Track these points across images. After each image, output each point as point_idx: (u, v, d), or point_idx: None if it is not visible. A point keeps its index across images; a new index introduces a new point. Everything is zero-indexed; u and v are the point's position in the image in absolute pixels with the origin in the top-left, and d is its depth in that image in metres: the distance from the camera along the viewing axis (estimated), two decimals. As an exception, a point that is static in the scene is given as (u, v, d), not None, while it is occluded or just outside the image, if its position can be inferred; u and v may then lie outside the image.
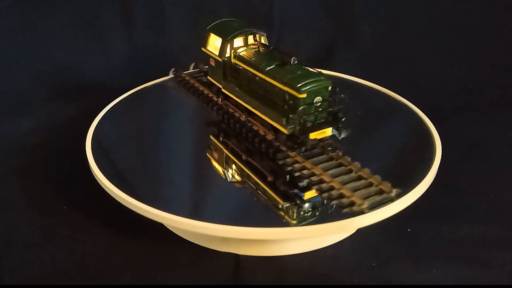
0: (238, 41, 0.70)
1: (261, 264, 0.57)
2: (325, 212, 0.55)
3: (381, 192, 0.56)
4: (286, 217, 0.55)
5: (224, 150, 0.69)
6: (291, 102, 0.59)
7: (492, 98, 0.98)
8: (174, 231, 0.62)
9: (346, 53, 1.13)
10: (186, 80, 0.87)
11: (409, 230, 0.62)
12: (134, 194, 0.57)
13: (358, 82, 0.89)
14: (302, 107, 0.58)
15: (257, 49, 0.69)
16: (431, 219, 0.64)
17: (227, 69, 0.71)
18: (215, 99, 0.77)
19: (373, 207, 0.53)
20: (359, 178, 0.58)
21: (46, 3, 1.11)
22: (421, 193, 0.58)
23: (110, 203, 0.58)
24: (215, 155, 0.69)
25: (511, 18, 1.13)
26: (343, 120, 0.60)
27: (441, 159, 0.64)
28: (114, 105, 0.79)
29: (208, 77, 0.77)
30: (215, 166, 0.67)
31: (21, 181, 0.73)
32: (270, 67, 0.63)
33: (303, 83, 0.58)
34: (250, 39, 0.70)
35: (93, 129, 0.71)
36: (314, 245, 0.59)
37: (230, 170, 0.65)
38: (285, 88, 0.59)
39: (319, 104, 0.59)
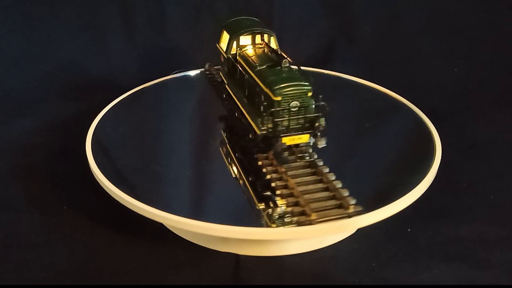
0: (246, 40, 0.70)
1: (261, 264, 0.57)
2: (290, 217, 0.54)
3: (339, 206, 0.54)
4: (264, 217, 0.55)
5: (221, 149, 0.69)
6: (266, 103, 0.58)
7: (492, 98, 0.97)
8: (174, 231, 0.62)
9: (346, 53, 1.13)
10: (212, 75, 0.86)
11: (409, 230, 0.62)
12: (134, 194, 0.57)
13: (358, 82, 0.89)
14: (276, 110, 0.57)
15: (261, 49, 0.69)
16: (431, 219, 0.64)
17: (231, 66, 0.71)
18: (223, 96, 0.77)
19: (323, 221, 0.52)
20: (326, 189, 0.57)
21: (46, 3, 1.11)
22: (421, 193, 0.58)
23: (110, 203, 0.58)
24: (215, 154, 0.68)
25: (511, 18, 1.13)
26: (320, 128, 0.58)
27: (441, 159, 0.64)
28: (114, 105, 0.79)
29: (220, 73, 0.78)
30: (215, 166, 0.67)
31: (21, 181, 0.73)
32: (261, 67, 0.62)
33: (280, 85, 0.57)
34: (258, 39, 0.70)
35: (93, 129, 0.71)
36: (314, 245, 0.59)
37: (228, 170, 0.65)
38: (265, 89, 0.59)
39: (296, 109, 0.58)
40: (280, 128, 0.58)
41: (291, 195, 0.57)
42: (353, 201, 0.54)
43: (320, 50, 1.14)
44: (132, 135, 0.75)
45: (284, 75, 0.59)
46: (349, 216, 0.53)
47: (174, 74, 0.90)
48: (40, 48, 1.09)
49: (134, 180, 0.62)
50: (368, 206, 0.54)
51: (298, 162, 0.61)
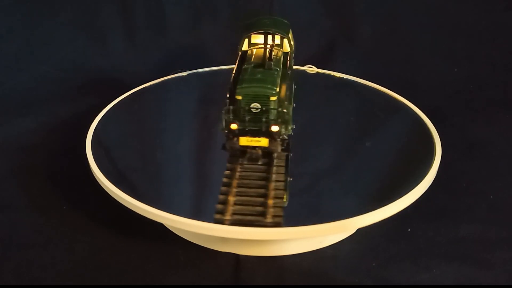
0: (258, 39, 0.69)
1: (261, 264, 0.57)
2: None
3: (260, 214, 0.54)
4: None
5: (221, 149, 0.68)
6: (231, 101, 0.58)
7: (492, 98, 0.97)
8: (174, 231, 0.62)
9: (346, 53, 1.13)
10: None
11: (409, 230, 0.62)
12: (134, 194, 0.57)
13: (358, 82, 0.89)
14: (238, 109, 0.57)
15: (268, 49, 0.69)
16: (431, 219, 0.64)
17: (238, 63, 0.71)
18: None
19: (235, 223, 0.52)
20: (263, 195, 0.56)
21: (46, 3, 1.11)
22: (421, 193, 0.58)
23: (110, 203, 0.58)
24: (215, 154, 0.68)
25: (511, 18, 1.13)
26: (279, 134, 0.58)
27: (441, 159, 0.64)
28: (114, 105, 0.79)
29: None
30: (215, 166, 0.67)
31: (21, 181, 0.73)
32: (248, 66, 0.62)
33: (243, 85, 0.57)
34: (272, 39, 0.69)
35: (93, 129, 0.71)
36: (314, 245, 0.59)
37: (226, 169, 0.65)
38: (233, 87, 0.59)
39: (257, 111, 0.57)
40: (240, 128, 0.58)
41: (225, 193, 0.57)
42: (278, 213, 0.53)
43: (320, 50, 1.14)
44: (132, 135, 0.75)
45: (258, 75, 0.59)
46: (265, 225, 0.52)
47: (174, 74, 0.90)
48: (40, 48, 1.09)
49: (134, 180, 0.62)
50: (368, 206, 0.54)
51: (258, 164, 0.61)
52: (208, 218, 0.54)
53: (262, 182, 0.58)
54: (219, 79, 0.86)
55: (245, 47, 0.70)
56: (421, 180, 0.59)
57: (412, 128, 0.75)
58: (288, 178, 0.60)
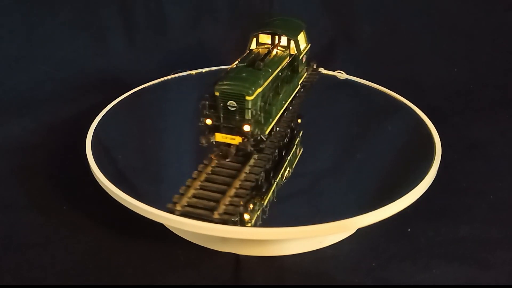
0: (267, 39, 0.70)
1: (261, 264, 0.57)
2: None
3: (210, 209, 0.54)
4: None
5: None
6: (210, 96, 0.59)
7: (492, 98, 0.98)
8: (174, 231, 0.62)
9: (346, 53, 1.13)
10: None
11: (409, 230, 0.62)
12: (134, 194, 0.57)
13: (358, 82, 0.89)
14: (216, 105, 0.58)
15: (271, 50, 0.69)
16: (431, 219, 0.64)
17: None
18: None
19: (183, 215, 0.53)
20: (222, 191, 0.56)
21: (46, 3, 1.11)
22: (421, 193, 0.58)
23: (110, 203, 0.58)
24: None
25: (511, 18, 1.13)
26: (252, 135, 0.58)
27: (441, 159, 0.64)
28: (114, 105, 0.79)
29: None
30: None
31: (21, 181, 0.73)
32: (240, 64, 0.63)
33: (223, 82, 0.58)
34: (283, 40, 0.70)
35: (93, 129, 0.71)
36: (314, 245, 0.59)
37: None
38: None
39: (233, 109, 0.58)
40: (216, 123, 0.58)
41: (189, 184, 0.57)
42: (230, 211, 0.53)
43: (320, 50, 1.14)
44: (132, 135, 0.75)
45: (242, 74, 0.60)
46: (211, 221, 0.52)
47: (174, 74, 0.90)
48: (40, 48, 1.09)
49: (134, 180, 0.62)
50: (368, 206, 0.54)
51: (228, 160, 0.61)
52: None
53: (229, 179, 0.58)
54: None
55: (253, 46, 0.70)
56: (421, 180, 0.59)
57: (412, 128, 0.75)
58: (258, 178, 0.60)
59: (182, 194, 0.55)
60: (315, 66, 0.85)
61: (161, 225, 0.59)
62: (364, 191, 0.61)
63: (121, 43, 1.13)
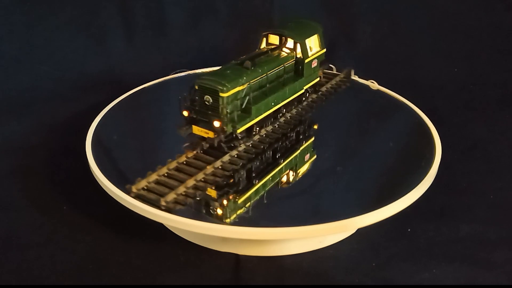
0: (276, 40, 0.71)
1: (261, 264, 0.57)
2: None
3: (159, 194, 0.55)
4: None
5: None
6: (190, 89, 0.61)
7: (492, 98, 0.98)
8: (174, 231, 0.62)
9: (346, 53, 1.13)
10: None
11: (409, 230, 0.62)
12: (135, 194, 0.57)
13: (358, 82, 0.89)
14: (194, 98, 0.60)
15: (274, 50, 0.69)
16: (431, 219, 0.64)
17: None
18: None
19: (136, 197, 0.55)
20: (182, 181, 0.57)
21: (46, 3, 1.11)
22: (421, 193, 0.58)
23: (110, 203, 0.58)
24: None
25: (511, 18, 1.13)
26: (219, 131, 0.60)
27: (441, 159, 0.64)
28: (114, 105, 0.79)
29: None
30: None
31: (21, 181, 0.73)
32: (235, 62, 0.64)
33: (204, 77, 0.60)
34: (289, 42, 0.70)
35: (93, 129, 0.71)
36: (314, 245, 0.59)
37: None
38: None
39: (209, 104, 0.60)
40: (193, 116, 0.61)
41: (157, 174, 0.59)
42: (180, 201, 0.54)
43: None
44: (132, 135, 0.75)
45: (227, 71, 0.61)
46: (158, 208, 0.53)
47: (174, 74, 0.90)
48: (40, 48, 1.09)
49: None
50: (368, 206, 0.54)
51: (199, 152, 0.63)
52: (207, 218, 0.54)
53: (196, 171, 0.59)
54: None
55: (263, 45, 0.71)
56: (421, 180, 0.59)
57: (412, 128, 0.75)
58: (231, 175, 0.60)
59: (144, 178, 0.57)
60: (352, 74, 0.87)
61: (161, 225, 0.59)
62: (364, 191, 0.61)
63: (121, 43, 1.13)
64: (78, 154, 0.66)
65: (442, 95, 0.98)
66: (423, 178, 0.59)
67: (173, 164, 0.60)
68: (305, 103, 0.76)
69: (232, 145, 0.62)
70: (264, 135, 0.67)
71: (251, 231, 0.52)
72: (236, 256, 0.58)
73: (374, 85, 0.84)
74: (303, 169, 0.65)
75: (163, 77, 0.90)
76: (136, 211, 0.55)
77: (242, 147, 0.64)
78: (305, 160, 0.67)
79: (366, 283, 0.55)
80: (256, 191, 0.59)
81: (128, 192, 0.56)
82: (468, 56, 1.10)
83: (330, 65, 0.90)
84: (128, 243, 0.60)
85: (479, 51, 1.10)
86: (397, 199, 0.55)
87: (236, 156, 0.63)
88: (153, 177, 0.58)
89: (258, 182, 0.60)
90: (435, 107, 0.84)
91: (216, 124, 0.59)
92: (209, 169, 0.60)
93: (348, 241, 0.61)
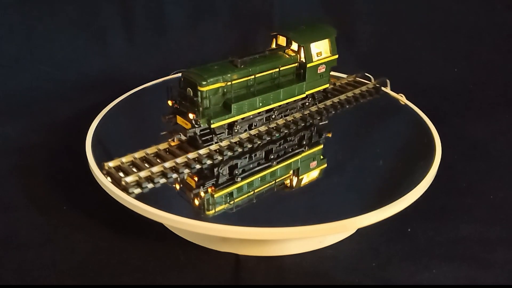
0: (284, 41, 0.71)
1: (261, 264, 0.57)
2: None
3: (125, 175, 0.58)
4: None
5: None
6: (179, 81, 0.64)
7: (492, 98, 0.98)
8: (174, 231, 0.62)
9: (346, 53, 1.13)
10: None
11: (409, 230, 0.62)
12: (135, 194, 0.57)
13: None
14: (181, 90, 0.63)
15: (277, 51, 0.70)
16: (431, 219, 0.64)
17: None
18: None
19: (107, 174, 0.59)
20: (152, 164, 0.61)
21: (46, 3, 1.11)
22: (421, 193, 0.58)
23: (110, 203, 0.58)
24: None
25: (511, 18, 1.13)
26: (193, 123, 0.62)
27: (441, 159, 0.64)
28: (114, 105, 0.79)
29: None
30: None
31: (21, 181, 0.73)
32: (228, 60, 0.66)
33: (189, 70, 0.62)
34: (294, 45, 0.70)
35: (93, 129, 0.71)
36: (314, 245, 0.59)
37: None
38: None
39: (189, 96, 0.62)
40: (177, 106, 0.64)
41: (134, 156, 0.62)
42: (141, 186, 0.57)
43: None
44: (132, 135, 0.75)
45: (214, 67, 0.64)
46: (118, 187, 0.57)
47: (174, 74, 0.90)
48: (40, 48, 1.09)
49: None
50: (368, 206, 0.54)
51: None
52: (207, 218, 0.54)
53: (171, 158, 0.62)
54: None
55: (273, 46, 0.72)
56: (421, 180, 0.59)
57: (412, 128, 0.75)
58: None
59: (118, 159, 0.61)
60: (386, 86, 0.84)
61: (161, 225, 0.59)
62: (364, 191, 0.61)
63: (121, 43, 1.14)
64: (78, 154, 0.66)
65: (442, 95, 0.98)
66: (423, 178, 0.59)
67: (153, 150, 0.63)
68: (314, 108, 0.75)
69: (210, 139, 0.64)
70: (255, 135, 0.68)
71: (251, 231, 0.52)
72: (236, 256, 0.58)
73: (402, 99, 0.81)
74: (302, 169, 0.65)
75: (163, 77, 0.90)
76: (136, 211, 0.55)
77: (225, 143, 0.65)
78: (305, 159, 0.67)
79: (366, 283, 0.55)
80: (239, 189, 0.60)
81: (100, 168, 0.60)
82: (468, 56, 1.10)
83: (366, 74, 0.87)
84: (128, 243, 0.60)
85: (479, 51, 1.10)
86: (397, 199, 0.55)
87: (216, 150, 0.64)
88: (129, 158, 0.61)
89: (238, 180, 0.61)
90: (435, 107, 0.84)
91: (190, 116, 0.62)
92: (182, 159, 0.61)
93: (348, 241, 0.61)
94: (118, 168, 0.61)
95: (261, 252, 0.58)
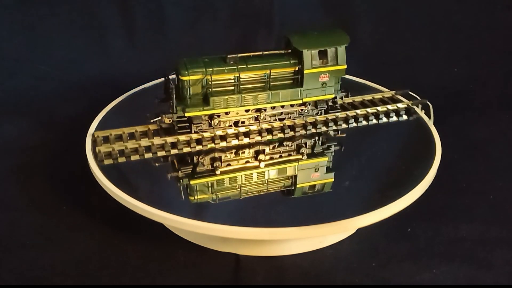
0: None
1: (261, 264, 0.57)
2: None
3: (107, 158, 0.63)
4: None
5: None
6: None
7: (492, 98, 0.98)
8: (174, 231, 0.62)
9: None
10: None
11: (409, 230, 0.62)
12: (134, 194, 0.57)
13: (358, 82, 0.89)
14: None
15: (277, 51, 0.69)
16: (431, 219, 0.64)
17: None
18: None
19: (93, 142, 0.66)
20: (135, 151, 0.65)
21: (46, 3, 1.11)
22: (421, 193, 0.58)
23: (110, 203, 0.58)
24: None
25: (511, 18, 1.13)
26: (170, 110, 0.66)
27: (441, 159, 0.64)
28: (114, 105, 0.79)
29: None
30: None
31: (21, 181, 0.73)
32: (224, 56, 0.66)
33: (183, 60, 0.66)
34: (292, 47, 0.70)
35: (93, 129, 0.71)
36: (314, 245, 0.59)
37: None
38: None
39: (175, 83, 0.66)
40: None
41: (123, 131, 0.67)
42: (112, 154, 0.63)
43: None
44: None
45: (206, 60, 0.66)
46: (98, 165, 0.61)
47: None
48: (40, 48, 1.09)
49: (134, 180, 0.62)
50: (368, 206, 0.54)
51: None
52: (207, 218, 0.54)
53: (157, 140, 0.66)
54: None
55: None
56: (421, 180, 0.59)
57: (412, 128, 0.75)
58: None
59: (110, 141, 0.66)
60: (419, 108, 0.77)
61: (161, 225, 0.59)
62: (364, 191, 0.61)
63: (121, 43, 1.13)
64: (78, 154, 0.66)
65: (442, 95, 0.98)
66: (423, 178, 0.59)
67: (143, 129, 0.68)
68: (311, 119, 0.72)
69: (187, 127, 0.66)
70: (244, 133, 0.68)
71: (251, 231, 0.52)
72: (236, 256, 0.58)
73: (430, 122, 0.74)
74: (302, 169, 0.65)
75: (163, 77, 0.90)
76: (136, 211, 0.55)
77: (208, 134, 0.67)
78: (304, 160, 0.67)
79: (366, 283, 0.55)
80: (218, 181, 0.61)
81: (92, 137, 0.66)
82: (468, 56, 1.10)
83: (410, 92, 0.80)
84: (128, 243, 0.60)
85: (479, 51, 1.10)
86: (397, 199, 0.55)
87: (195, 140, 0.66)
88: (117, 133, 0.67)
89: (218, 173, 0.62)
90: (435, 107, 0.83)
91: (170, 103, 0.65)
92: (159, 140, 0.66)
93: (348, 241, 0.61)
94: (106, 139, 0.66)
95: (261, 252, 0.58)
